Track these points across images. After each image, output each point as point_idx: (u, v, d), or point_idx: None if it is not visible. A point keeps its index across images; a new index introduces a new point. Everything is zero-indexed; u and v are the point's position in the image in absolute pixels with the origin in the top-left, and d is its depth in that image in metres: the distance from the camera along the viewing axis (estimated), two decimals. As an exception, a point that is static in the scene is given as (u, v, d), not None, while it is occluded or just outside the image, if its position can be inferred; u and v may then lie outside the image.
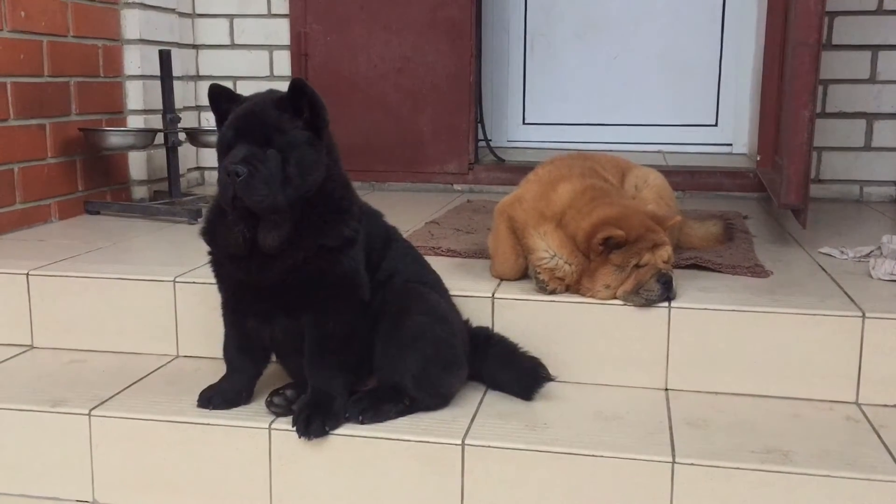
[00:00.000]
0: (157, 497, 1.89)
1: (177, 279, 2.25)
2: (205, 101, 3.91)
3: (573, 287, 2.08)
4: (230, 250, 1.76)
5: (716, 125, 4.37)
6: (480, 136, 3.99)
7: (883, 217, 3.26)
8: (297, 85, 1.72)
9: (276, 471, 1.83)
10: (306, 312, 1.79)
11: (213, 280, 1.91)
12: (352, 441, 1.78)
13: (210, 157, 3.98)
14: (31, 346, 2.34)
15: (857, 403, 1.96)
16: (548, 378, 1.96)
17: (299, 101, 1.72)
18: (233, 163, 1.66)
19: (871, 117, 3.57)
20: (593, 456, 1.70)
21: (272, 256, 1.73)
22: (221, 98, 1.78)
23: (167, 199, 3.30)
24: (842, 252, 2.51)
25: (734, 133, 4.31)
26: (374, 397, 1.84)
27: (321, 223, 1.75)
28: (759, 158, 3.57)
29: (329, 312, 1.79)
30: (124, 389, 2.03)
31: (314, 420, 1.76)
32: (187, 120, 3.71)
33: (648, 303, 2.01)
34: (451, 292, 2.07)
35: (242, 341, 1.89)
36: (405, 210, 3.26)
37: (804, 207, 2.52)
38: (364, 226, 1.84)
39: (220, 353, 1.96)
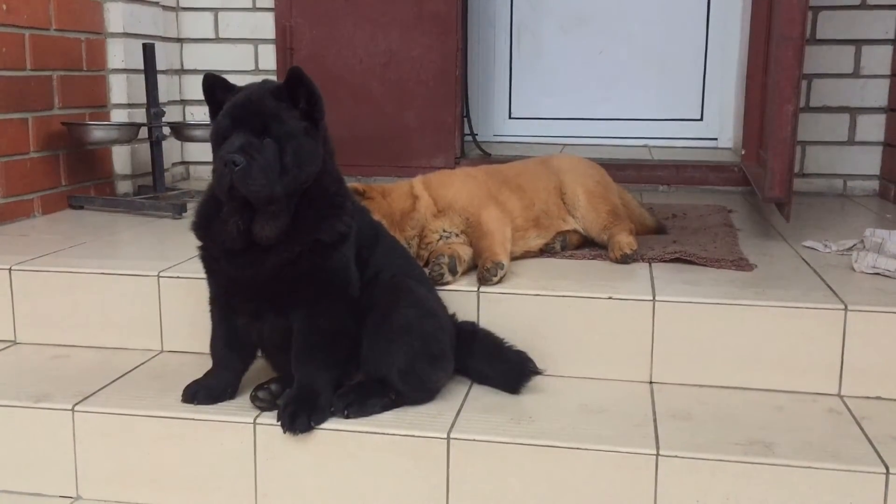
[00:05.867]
0: (141, 492, 1.88)
1: (161, 274, 2.24)
2: (189, 94, 3.92)
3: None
4: (225, 244, 1.75)
5: (701, 119, 4.38)
6: (467, 130, 3.99)
7: (866, 211, 3.28)
8: (295, 74, 1.71)
9: (262, 465, 1.82)
10: (296, 308, 1.78)
11: (198, 275, 1.90)
12: (337, 435, 1.78)
13: (194, 151, 3.96)
14: (15, 342, 2.32)
15: (839, 395, 1.97)
16: (535, 371, 1.96)
17: (296, 90, 1.71)
18: (230, 152, 1.65)
19: (854, 111, 3.59)
20: (578, 449, 1.71)
21: (266, 250, 1.73)
22: (216, 88, 1.76)
23: (151, 193, 3.29)
24: (825, 245, 2.53)
25: (719, 127, 4.33)
26: (360, 392, 1.84)
27: (317, 218, 1.75)
28: (743, 153, 3.58)
29: (319, 309, 1.78)
30: (108, 385, 2.03)
31: (299, 415, 1.76)
32: (172, 114, 3.69)
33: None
34: (437, 286, 2.07)
35: (230, 337, 1.89)
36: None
37: (788, 201, 2.54)
38: (355, 222, 1.83)
39: (204, 347, 1.96)
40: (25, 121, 2.96)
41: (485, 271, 2.12)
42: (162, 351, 2.26)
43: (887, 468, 1.62)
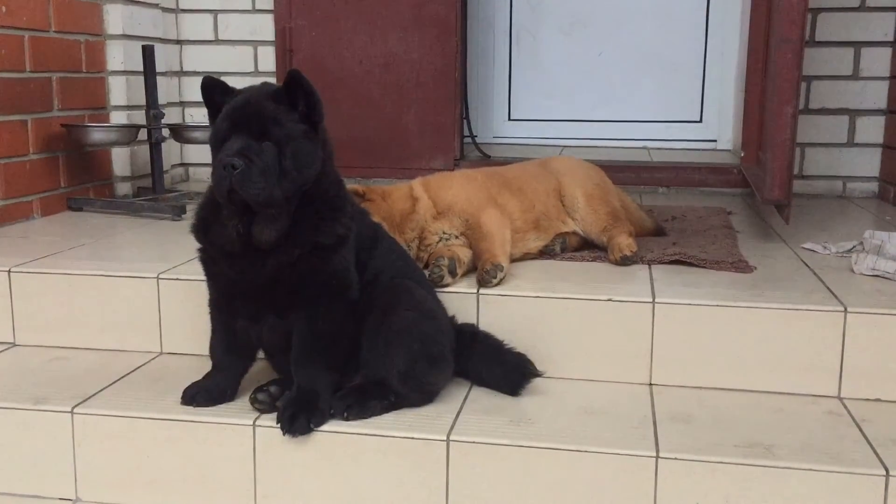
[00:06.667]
0: (140, 494, 1.88)
1: (160, 276, 2.24)
2: (189, 96, 3.92)
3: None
4: (224, 247, 1.75)
5: (700, 121, 4.39)
6: (466, 132, 3.99)
7: (865, 213, 3.28)
8: (294, 77, 1.71)
9: (261, 467, 1.82)
10: (295, 310, 1.78)
11: (198, 277, 1.90)
12: (336, 437, 1.78)
13: (194, 153, 3.96)
14: (14, 344, 2.32)
15: (839, 397, 1.97)
16: (535, 374, 1.96)
17: (295, 93, 1.71)
18: (228, 155, 1.64)
19: (853, 113, 3.60)
20: (577, 451, 1.71)
21: (265, 253, 1.72)
22: (215, 91, 1.76)
23: (151, 195, 3.29)
24: (824, 247, 2.53)
25: (719, 129, 4.33)
26: (360, 393, 1.84)
27: (317, 220, 1.75)
28: (743, 154, 3.58)
29: (318, 311, 1.78)
30: (107, 387, 2.02)
31: (299, 417, 1.76)
32: (171, 116, 3.69)
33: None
34: (436, 288, 2.07)
35: (230, 339, 1.88)
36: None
37: (787, 203, 2.54)
38: (354, 224, 1.83)
39: (204, 349, 1.96)
40: (25, 122, 2.96)
41: (484, 273, 2.12)
42: (161, 353, 2.26)
43: (887, 470, 1.62)
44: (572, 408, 1.90)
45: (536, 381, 1.97)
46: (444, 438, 1.75)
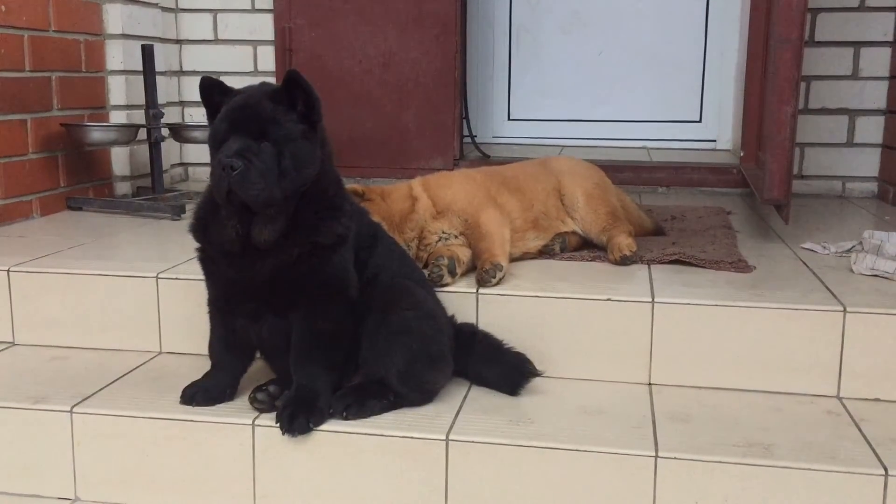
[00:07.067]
0: (139, 494, 1.88)
1: (160, 275, 2.24)
2: (188, 96, 3.92)
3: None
4: (223, 247, 1.75)
5: (700, 121, 4.39)
6: (466, 132, 3.99)
7: (864, 213, 3.28)
8: (292, 77, 1.71)
9: (260, 467, 1.82)
10: (295, 310, 1.78)
11: (197, 276, 1.90)
12: (336, 437, 1.78)
13: (193, 152, 3.96)
14: (13, 343, 2.32)
15: (838, 397, 1.97)
16: (534, 373, 1.96)
17: (294, 93, 1.71)
18: (227, 156, 1.64)
19: (853, 113, 3.60)
20: (577, 450, 1.71)
21: (264, 253, 1.73)
22: (214, 91, 1.76)
23: (150, 195, 3.29)
24: (824, 247, 2.53)
25: (718, 129, 4.34)
26: (359, 393, 1.84)
27: (315, 220, 1.75)
28: (742, 154, 3.58)
29: (317, 310, 1.78)
30: (106, 386, 2.02)
31: (298, 416, 1.76)
32: (170, 115, 3.69)
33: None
34: (436, 288, 2.07)
35: (229, 339, 1.89)
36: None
37: (787, 203, 2.54)
38: (353, 224, 1.83)
39: (203, 349, 1.96)
40: (24, 122, 2.96)
41: (484, 273, 2.12)
42: (160, 352, 2.26)
43: (886, 470, 1.62)
44: (571, 407, 1.90)
45: (536, 381, 1.97)
46: (444, 438, 1.75)
